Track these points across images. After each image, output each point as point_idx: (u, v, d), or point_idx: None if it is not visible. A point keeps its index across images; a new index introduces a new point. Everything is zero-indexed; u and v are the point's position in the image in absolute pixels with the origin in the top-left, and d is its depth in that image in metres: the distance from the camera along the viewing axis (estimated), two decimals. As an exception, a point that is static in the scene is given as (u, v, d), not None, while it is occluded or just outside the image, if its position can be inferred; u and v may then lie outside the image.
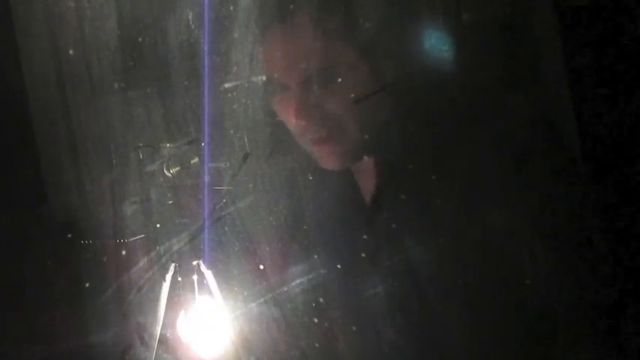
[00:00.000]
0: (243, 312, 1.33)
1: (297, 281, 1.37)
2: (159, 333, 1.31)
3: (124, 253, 1.36)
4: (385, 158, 1.35)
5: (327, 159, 1.35)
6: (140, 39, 1.35)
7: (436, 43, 1.32)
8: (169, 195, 1.33)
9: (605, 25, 1.26)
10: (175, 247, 1.32)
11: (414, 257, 1.33)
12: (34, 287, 1.48)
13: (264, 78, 1.33)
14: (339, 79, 1.29)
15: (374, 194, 1.38)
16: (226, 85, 1.33)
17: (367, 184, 1.40)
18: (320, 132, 1.32)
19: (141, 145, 1.35)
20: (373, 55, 1.29)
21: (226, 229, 1.35)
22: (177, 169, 1.31)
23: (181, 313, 1.31)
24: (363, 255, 1.36)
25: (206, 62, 1.30)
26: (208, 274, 1.30)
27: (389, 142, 1.34)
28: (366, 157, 1.36)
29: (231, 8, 1.30)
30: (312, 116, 1.30)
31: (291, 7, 1.29)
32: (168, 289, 1.31)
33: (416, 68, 1.33)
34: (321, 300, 1.36)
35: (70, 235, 1.43)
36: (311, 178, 1.38)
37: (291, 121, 1.32)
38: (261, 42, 1.31)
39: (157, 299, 1.32)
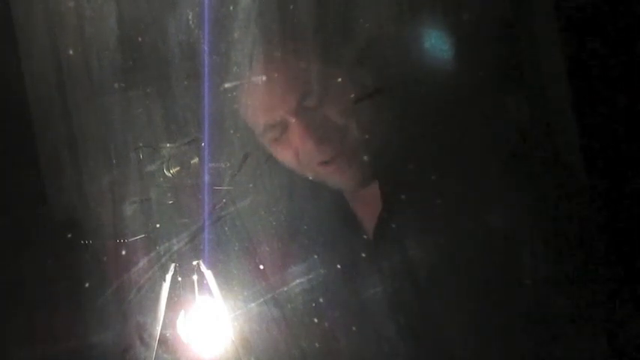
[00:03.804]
0: (243, 312, 1.33)
1: (297, 281, 1.37)
2: (159, 333, 1.30)
3: (124, 253, 1.36)
4: (385, 159, 1.35)
5: (342, 180, 1.35)
6: (140, 39, 1.35)
7: (436, 43, 1.32)
8: (169, 195, 1.33)
9: (605, 25, 1.26)
10: (175, 247, 1.32)
11: (414, 257, 1.33)
12: (34, 287, 1.48)
13: (264, 78, 1.33)
14: (335, 98, 1.30)
15: (374, 194, 1.38)
16: (226, 85, 1.33)
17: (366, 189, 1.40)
18: (328, 152, 1.32)
19: (141, 145, 1.35)
20: (364, 63, 1.30)
21: (226, 229, 1.35)
22: (177, 169, 1.31)
23: (181, 313, 1.31)
24: (363, 255, 1.36)
25: (206, 62, 1.30)
26: (208, 274, 1.30)
27: (387, 141, 1.34)
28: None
29: (231, 8, 1.30)
30: (318, 139, 1.30)
31: (291, 7, 1.30)
32: (168, 289, 1.31)
33: (415, 69, 1.33)
34: (321, 300, 1.36)
35: (70, 235, 1.43)
36: (311, 178, 1.38)
37: (298, 151, 1.32)
38: (247, 96, 1.32)
39: (157, 299, 1.31)
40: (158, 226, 1.34)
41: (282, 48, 1.30)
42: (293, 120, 1.30)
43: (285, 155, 1.35)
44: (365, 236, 1.40)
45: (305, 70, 1.30)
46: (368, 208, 1.39)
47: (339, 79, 1.30)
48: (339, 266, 1.37)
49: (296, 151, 1.33)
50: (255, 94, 1.32)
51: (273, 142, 1.35)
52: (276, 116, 1.31)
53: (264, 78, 1.30)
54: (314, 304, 1.36)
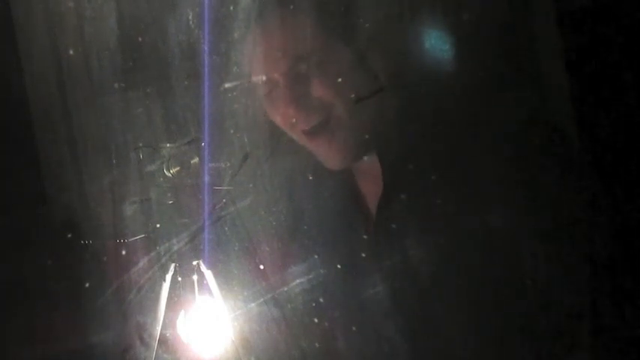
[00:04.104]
0: (243, 312, 1.33)
1: (297, 281, 1.37)
2: (159, 333, 1.31)
3: (124, 253, 1.36)
4: (385, 158, 1.35)
5: (326, 154, 1.35)
6: (140, 39, 1.35)
7: (436, 43, 1.32)
8: (169, 195, 1.33)
9: (605, 24, 1.26)
10: (175, 247, 1.32)
11: (414, 257, 1.33)
12: (34, 287, 1.48)
13: (264, 78, 1.33)
14: (328, 70, 1.29)
15: (374, 194, 1.38)
16: (226, 85, 1.33)
17: (368, 185, 1.40)
18: (310, 122, 1.32)
19: (141, 145, 1.35)
20: (361, 44, 1.29)
21: (226, 229, 1.35)
22: (177, 169, 1.31)
23: (181, 313, 1.31)
24: (363, 255, 1.36)
25: (206, 62, 1.30)
26: (208, 274, 1.30)
27: (388, 141, 1.34)
28: (365, 157, 1.36)
29: (231, 8, 1.30)
30: (301, 106, 1.30)
31: (291, 7, 1.30)
32: (168, 289, 1.31)
33: (415, 68, 1.33)
34: (321, 300, 1.36)
35: (70, 235, 1.43)
36: (311, 178, 1.38)
37: (281, 113, 1.32)
38: (242, 44, 1.32)
39: (157, 299, 1.31)
40: (158, 226, 1.34)
41: (283, 10, 1.30)
42: (281, 80, 1.30)
43: (272, 114, 1.35)
44: (365, 235, 1.40)
45: (303, 35, 1.30)
46: (373, 206, 1.40)
47: (337, 53, 1.30)
48: (339, 266, 1.37)
49: (282, 113, 1.33)
50: (253, 46, 1.32)
51: (264, 96, 1.34)
52: (267, 72, 1.31)
53: (264, 32, 1.29)
54: (314, 304, 1.36)
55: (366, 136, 1.33)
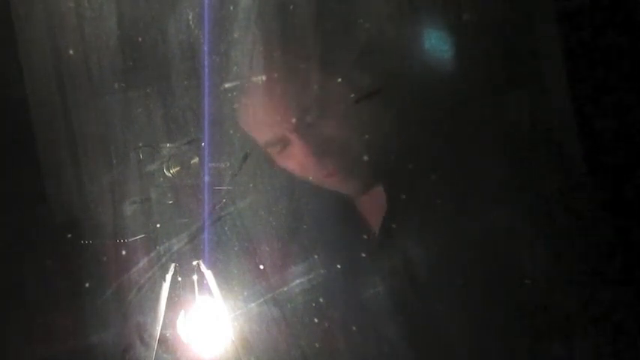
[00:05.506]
0: (243, 312, 1.33)
1: (297, 281, 1.37)
2: (159, 333, 1.31)
3: (124, 253, 1.36)
4: (387, 166, 1.35)
5: (345, 187, 1.36)
6: (140, 39, 1.35)
7: (436, 43, 1.32)
8: (169, 195, 1.33)
9: (605, 24, 1.26)
10: (175, 247, 1.32)
11: (414, 257, 1.33)
12: (34, 287, 1.48)
13: (264, 78, 1.33)
14: (334, 113, 1.30)
15: (377, 197, 1.38)
16: (226, 85, 1.33)
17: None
18: (330, 166, 1.33)
19: (141, 145, 1.35)
20: (363, 66, 1.30)
21: (226, 229, 1.35)
22: (177, 169, 1.31)
23: (181, 313, 1.31)
24: (363, 255, 1.36)
25: (206, 62, 1.30)
26: (208, 274, 1.30)
27: (394, 151, 1.34)
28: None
29: (231, 8, 1.30)
30: (319, 155, 1.31)
31: (291, 7, 1.30)
32: (168, 289, 1.31)
33: (415, 69, 1.33)
34: (321, 300, 1.36)
35: (70, 235, 1.43)
36: (317, 185, 1.38)
37: (300, 166, 1.33)
38: (247, 113, 1.32)
39: (157, 299, 1.31)
40: (158, 226, 1.34)
41: (281, 65, 1.30)
42: (294, 137, 1.31)
43: (289, 166, 1.36)
44: (365, 236, 1.40)
45: (303, 88, 1.30)
46: (373, 207, 1.40)
47: (337, 93, 1.30)
48: (339, 266, 1.37)
49: (300, 165, 1.34)
50: (255, 112, 1.32)
51: (276, 155, 1.35)
52: (277, 133, 1.32)
53: (263, 93, 1.30)
54: (314, 304, 1.36)
55: (382, 161, 1.33)
